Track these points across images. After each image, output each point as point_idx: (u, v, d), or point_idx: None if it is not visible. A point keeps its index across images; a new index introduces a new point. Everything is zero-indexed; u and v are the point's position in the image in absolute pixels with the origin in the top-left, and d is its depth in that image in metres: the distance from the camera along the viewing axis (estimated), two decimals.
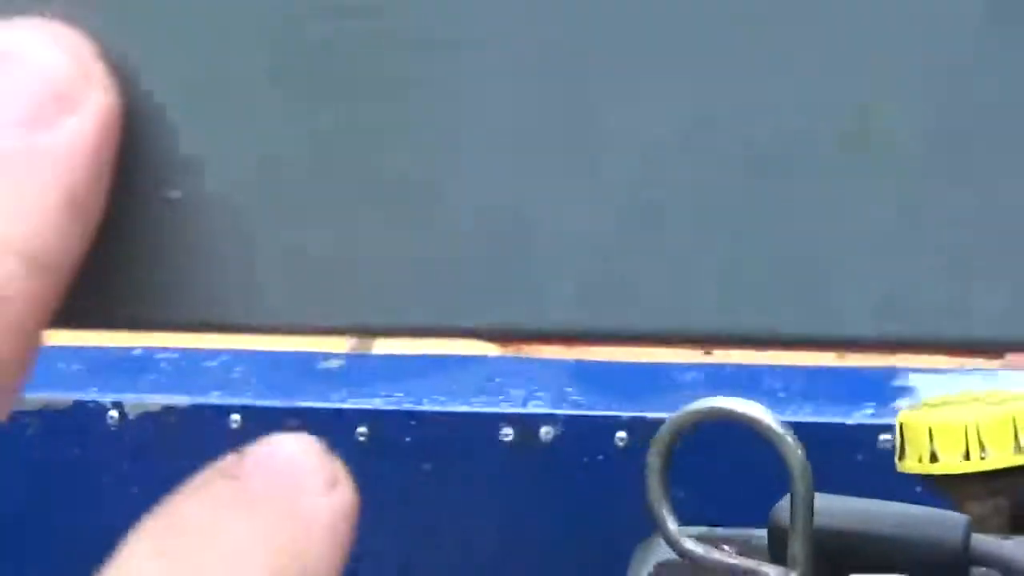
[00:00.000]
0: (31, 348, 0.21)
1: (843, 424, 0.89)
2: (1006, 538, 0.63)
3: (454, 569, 0.99)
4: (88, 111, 0.22)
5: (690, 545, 0.57)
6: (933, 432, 0.67)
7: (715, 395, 0.93)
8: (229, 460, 0.21)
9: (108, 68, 0.23)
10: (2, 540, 0.95)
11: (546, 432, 0.91)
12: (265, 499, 0.21)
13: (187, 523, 0.21)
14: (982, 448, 0.67)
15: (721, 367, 1.10)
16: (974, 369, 1.00)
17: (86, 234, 0.22)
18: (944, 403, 0.69)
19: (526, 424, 0.92)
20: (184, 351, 1.00)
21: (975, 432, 0.67)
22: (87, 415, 0.92)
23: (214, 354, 0.99)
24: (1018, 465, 0.67)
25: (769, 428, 0.56)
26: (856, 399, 0.91)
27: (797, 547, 0.56)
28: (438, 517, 0.91)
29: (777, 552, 0.61)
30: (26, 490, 0.93)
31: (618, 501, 0.93)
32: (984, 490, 0.66)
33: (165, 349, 0.98)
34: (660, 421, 0.93)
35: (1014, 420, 0.67)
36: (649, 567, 0.67)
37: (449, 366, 1.01)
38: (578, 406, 0.94)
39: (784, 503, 0.61)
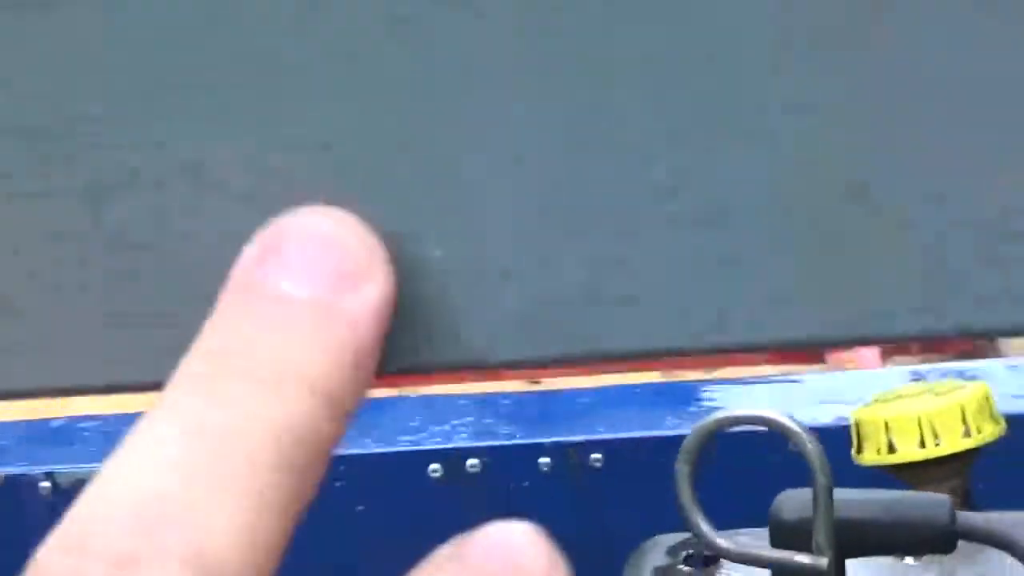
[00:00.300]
0: (322, 475, 0.23)
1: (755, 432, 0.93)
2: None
3: None
4: (375, 284, 0.24)
5: (723, 542, 0.59)
6: (889, 425, 0.71)
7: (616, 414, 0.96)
8: (458, 542, 0.23)
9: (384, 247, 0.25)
10: None
11: (472, 465, 0.93)
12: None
13: None
14: (935, 436, 0.70)
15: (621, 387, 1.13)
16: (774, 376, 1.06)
17: (368, 383, 0.24)
18: (895, 398, 0.72)
19: (453, 458, 0.94)
20: (104, 418, 1.00)
21: (928, 422, 0.70)
22: (20, 488, 0.91)
23: (132, 419, 0.99)
24: (968, 449, 0.71)
25: (789, 429, 0.59)
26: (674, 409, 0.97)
27: (821, 535, 0.59)
28: (373, 556, 0.93)
29: (780, 544, 0.63)
30: None
31: (546, 523, 0.95)
32: (940, 474, 0.70)
33: (85, 418, 0.98)
34: (584, 444, 0.96)
35: (962, 408, 0.70)
36: (646, 571, 0.70)
37: (365, 410, 1.02)
38: (500, 437, 0.96)
39: (782, 499, 0.64)
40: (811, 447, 0.58)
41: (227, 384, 0.23)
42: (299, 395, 0.23)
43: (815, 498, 0.59)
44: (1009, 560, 0.63)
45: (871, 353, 1.94)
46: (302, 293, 0.24)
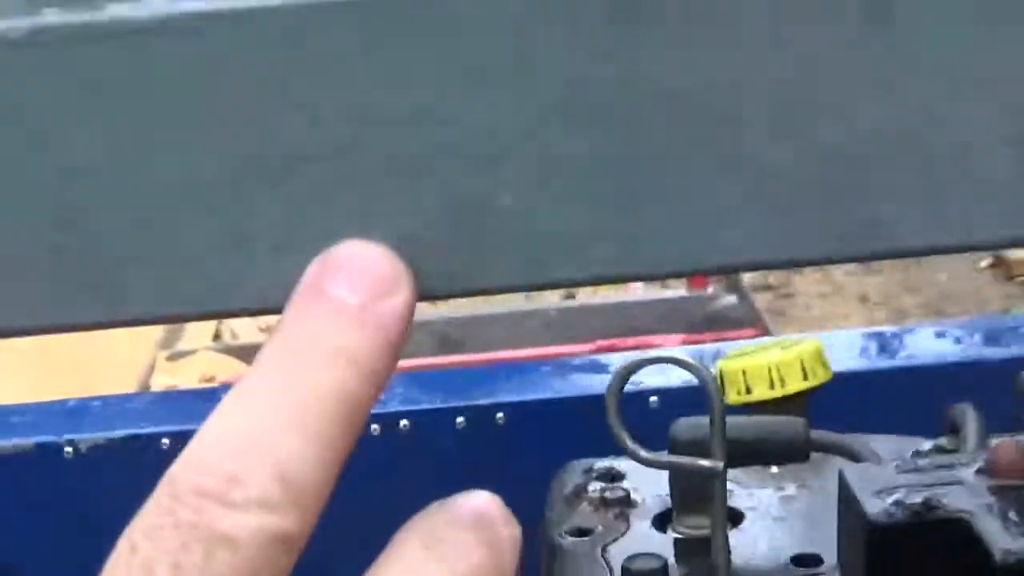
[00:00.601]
0: (362, 428, 0.28)
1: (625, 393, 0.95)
2: None
3: (335, 545, 1.04)
4: (400, 296, 0.28)
5: (645, 454, 0.63)
6: (746, 372, 0.74)
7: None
8: (442, 501, 0.28)
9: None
10: None
11: (404, 424, 0.96)
12: (476, 525, 0.28)
13: (432, 533, 0.28)
14: (782, 380, 0.75)
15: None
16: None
17: (397, 362, 0.28)
18: (745, 353, 0.77)
19: (388, 420, 0.97)
20: (107, 398, 1.02)
21: (776, 369, 0.74)
22: (48, 453, 0.92)
23: (130, 398, 1.02)
24: (806, 389, 0.75)
25: (692, 364, 0.62)
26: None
27: (716, 444, 0.63)
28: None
29: None
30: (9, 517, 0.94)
31: (462, 469, 0.98)
32: (785, 409, 0.74)
33: (93, 399, 1.00)
34: (490, 406, 0.99)
35: (800, 358, 0.75)
36: (567, 488, 0.73)
37: None
38: (424, 402, 0.99)
39: (677, 424, 0.68)
40: (708, 377, 0.62)
41: (299, 360, 0.27)
42: (348, 369, 0.27)
43: (711, 418, 0.63)
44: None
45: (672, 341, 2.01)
46: (352, 300, 0.28)
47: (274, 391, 0.27)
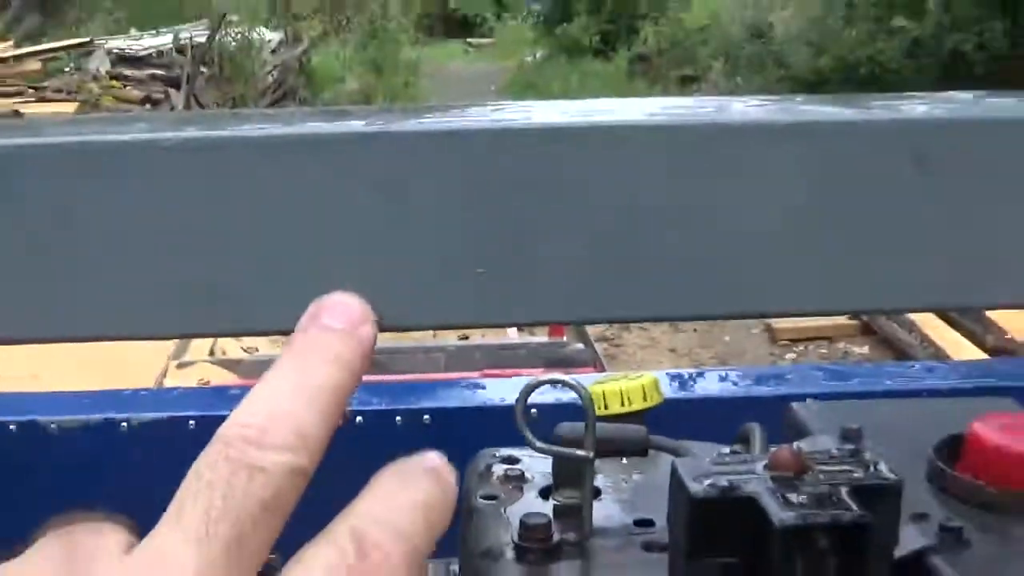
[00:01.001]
0: (344, 411, 0.30)
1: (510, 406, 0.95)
2: None
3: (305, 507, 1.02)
4: (369, 326, 0.31)
5: (540, 444, 0.64)
6: (605, 394, 0.77)
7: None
8: (406, 458, 0.31)
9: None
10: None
11: (359, 420, 0.96)
12: (431, 470, 0.31)
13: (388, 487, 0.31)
14: (629, 400, 0.77)
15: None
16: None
17: (368, 366, 0.31)
18: (603, 381, 0.78)
19: (347, 415, 0.96)
20: (151, 390, 1.00)
21: (626, 392, 0.76)
22: (110, 427, 0.92)
23: (169, 391, 1.01)
24: (646, 408, 0.77)
25: (573, 384, 0.64)
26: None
27: (588, 440, 0.65)
28: None
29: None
30: (81, 470, 0.93)
31: (399, 454, 0.98)
32: (631, 421, 0.75)
33: (140, 390, 0.99)
34: (419, 409, 0.98)
35: (643, 386, 0.77)
36: (480, 467, 0.74)
37: None
38: (372, 404, 0.99)
39: (560, 427, 0.69)
40: (584, 392, 0.64)
41: (307, 361, 0.30)
42: (339, 369, 0.30)
43: (586, 423, 0.64)
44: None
45: (536, 374, 2.01)
46: (337, 325, 0.30)
47: (292, 379, 0.29)
